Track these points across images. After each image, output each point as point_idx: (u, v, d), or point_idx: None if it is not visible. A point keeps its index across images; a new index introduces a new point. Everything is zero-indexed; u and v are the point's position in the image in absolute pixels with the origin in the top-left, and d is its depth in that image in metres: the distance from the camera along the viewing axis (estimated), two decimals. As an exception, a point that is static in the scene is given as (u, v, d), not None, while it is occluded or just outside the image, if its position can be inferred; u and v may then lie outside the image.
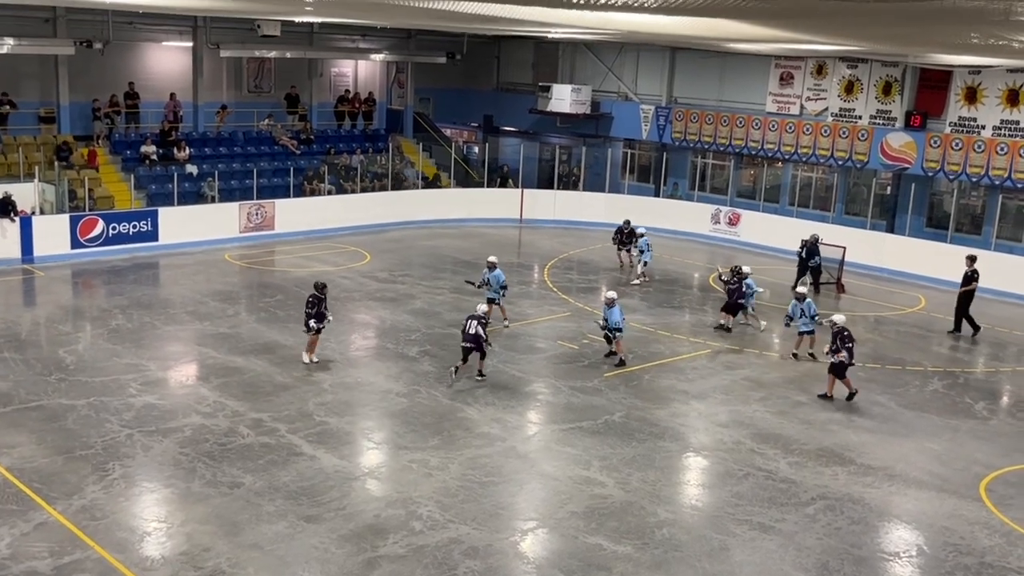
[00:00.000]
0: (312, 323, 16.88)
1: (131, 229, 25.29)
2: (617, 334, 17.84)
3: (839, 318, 16.82)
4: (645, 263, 24.47)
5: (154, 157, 28.12)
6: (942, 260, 25.93)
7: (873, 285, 25.43)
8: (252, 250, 26.24)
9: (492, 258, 19.87)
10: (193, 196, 27.71)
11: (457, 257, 25.77)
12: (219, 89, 31.15)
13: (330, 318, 17.27)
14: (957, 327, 21.28)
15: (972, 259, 21.42)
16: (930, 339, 21.06)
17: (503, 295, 19.61)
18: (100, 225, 24.79)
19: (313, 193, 29.86)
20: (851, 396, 16.51)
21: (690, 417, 15.66)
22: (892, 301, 24.02)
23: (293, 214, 28.16)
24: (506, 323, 19.71)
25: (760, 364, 18.50)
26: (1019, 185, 25.83)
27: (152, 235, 25.57)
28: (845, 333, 16.39)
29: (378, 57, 34.32)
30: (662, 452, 14.17)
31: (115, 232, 25.01)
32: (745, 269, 20.68)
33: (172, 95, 29.80)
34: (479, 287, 19.75)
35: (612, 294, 18.16)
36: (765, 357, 19.00)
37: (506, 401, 15.86)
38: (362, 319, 20.44)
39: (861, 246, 26.24)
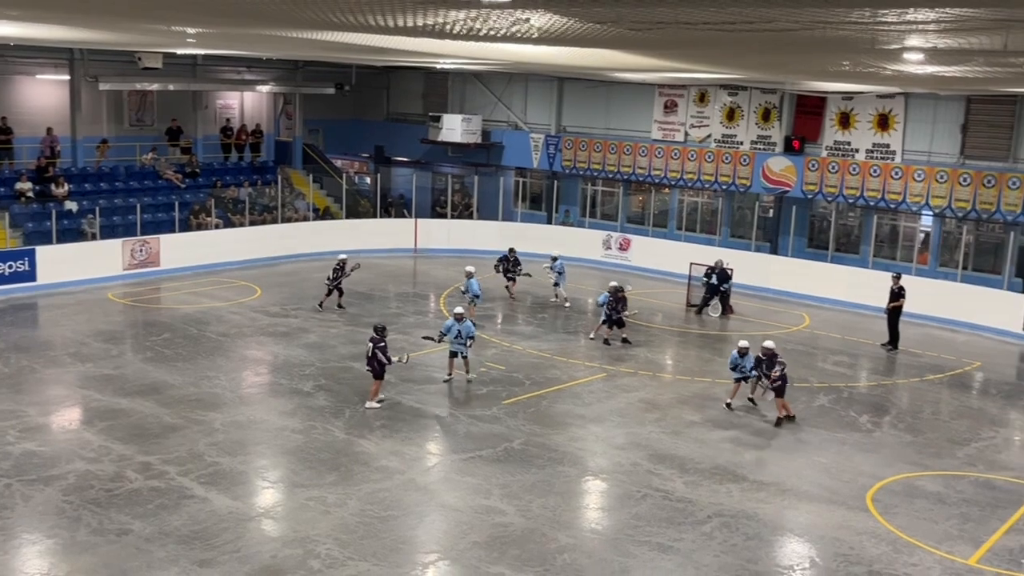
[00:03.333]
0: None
1: (6, 269, 24.21)
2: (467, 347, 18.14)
3: (769, 343, 17.21)
4: (558, 284, 25.15)
5: (30, 194, 27.05)
6: (824, 279, 26.99)
7: (759, 305, 26.18)
8: (137, 288, 25.45)
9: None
10: (73, 234, 26.73)
11: (351, 289, 25.46)
12: (99, 123, 30.21)
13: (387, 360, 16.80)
14: (891, 343, 22.33)
15: (897, 277, 22.76)
16: (815, 356, 21.76)
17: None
18: (-28, 266, 23.72)
19: (200, 227, 29.18)
20: (779, 421, 16.97)
21: (588, 441, 15.78)
22: (778, 320, 24.76)
23: (179, 249, 27.44)
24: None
25: (654, 386, 18.80)
26: (892, 205, 27.02)
27: (30, 275, 24.52)
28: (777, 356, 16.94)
29: (265, 88, 33.87)
30: (561, 477, 14.23)
31: (-11, 273, 23.96)
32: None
33: (49, 130, 28.76)
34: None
35: (460, 310, 18.42)
36: (659, 379, 19.32)
37: (404, 433, 15.71)
38: (254, 355, 20.01)
39: (747, 267, 27.03)
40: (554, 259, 25.29)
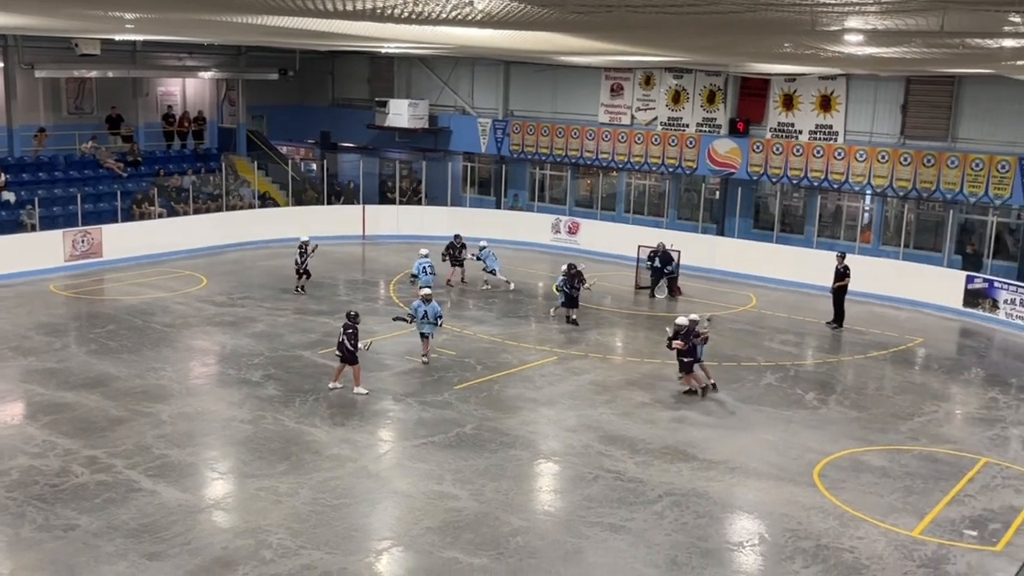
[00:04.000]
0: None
1: (-57, 262, 23.64)
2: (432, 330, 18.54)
3: (683, 320, 17.50)
4: (494, 271, 25.09)
5: (-34, 185, 26.41)
6: (769, 259, 27.33)
7: (707, 286, 26.44)
8: (79, 279, 24.98)
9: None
10: (12, 225, 26.13)
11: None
12: (36, 111, 29.51)
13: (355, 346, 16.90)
14: (837, 321, 22.68)
15: (842, 256, 23.12)
16: (762, 335, 22.05)
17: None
18: (-93, 259, 23.08)
19: (143, 217, 28.69)
20: (692, 392, 17.37)
21: (540, 424, 15.85)
22: (725, 300, 25.04)
23: (122, 240, 26.95)
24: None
25: (604, 368, 18.92)
26: (835, 186, 27.41)
27: (-33, 268, 23.98)
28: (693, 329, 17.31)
29: (207, 75, 33.32)
30: (514, 461, 14.28)
31: (-76, 266, 23.33)
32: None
33: (-17, 119, 28.09)
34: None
35: (427, 291, 18.97)
36: (609, 361, 19.44)
37: (355, 421, 15.65)
38: (201, 345, 19.76)
39: (694, 249, 27.25)
40: (481, 248, 25.25)
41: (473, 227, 28.22)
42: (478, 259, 25.12)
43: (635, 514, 12.63)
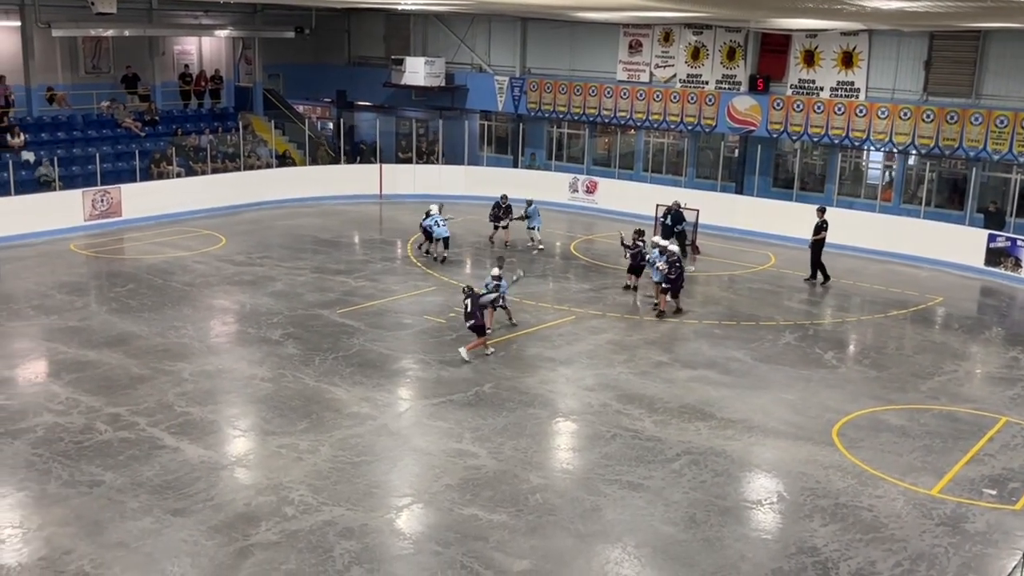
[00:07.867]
0: None
1: (-36, 222, 23.79)
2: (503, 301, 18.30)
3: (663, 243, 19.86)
4: (536, 228, 25.14)
5: (-15, 145, 26.48)
6: (789, 218, 27.12)
7: (725, 245, 26.32)
8: (99, 238, 25.11)
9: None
10: (32, 184, 26.21)
11: (317, 236, 25.30)
12: (53, 71, 29.49)
13: None
14: (813, 275, 22.72)
15: (822, 210, 23.07)
16: (781, 294, 21.97)
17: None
18: (-71, 219, 23.24)
19: (161, 176, 28.75)
20: (677, 311, 19.48)
21: (558, 383, 15.89)
22: (744, 260, 24.93)
23: (141, 199, 27.04)
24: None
25: (622, 327, 18.92)
26: (856, 143, 27.13)
27: (-12, 227, 24.13)
28: (670, 252, 19.34)
29: (223, 33, 33.19)
30: (532, 419, 14.34)
31: (-54, 226, 23.49)
32: (660, 241, 20.64)
33: (1, 78, 28.07)
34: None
35: (496, 270, 18.36)
36: (627, 320, 19.43)
37: (375, 379, 15.73)
38: (220, 304, 19.87)
39: (713, 208, 27.07)
40: (529, 203, 25.20)
41: (490, 186, 28.11)
42: (525, 217, 25.00)
43: (653, 472, 12.69)
